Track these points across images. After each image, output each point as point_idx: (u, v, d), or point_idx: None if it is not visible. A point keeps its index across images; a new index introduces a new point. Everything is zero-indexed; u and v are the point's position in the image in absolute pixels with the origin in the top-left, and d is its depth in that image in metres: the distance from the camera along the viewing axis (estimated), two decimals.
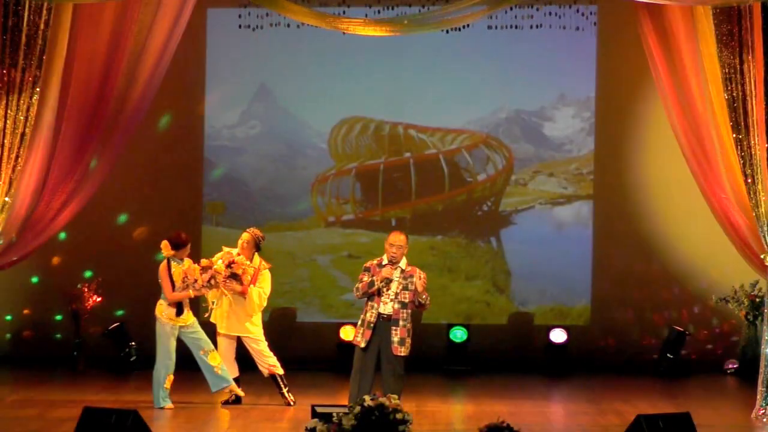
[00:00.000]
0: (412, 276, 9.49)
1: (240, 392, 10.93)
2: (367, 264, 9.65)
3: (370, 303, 9.52)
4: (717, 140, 10.76)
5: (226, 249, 10.93)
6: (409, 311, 9.51)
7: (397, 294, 9.45)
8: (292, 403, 10.87)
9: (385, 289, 9.46)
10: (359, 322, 9.58)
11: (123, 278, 13.76)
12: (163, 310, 10.64)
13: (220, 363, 10.73)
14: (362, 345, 9.45)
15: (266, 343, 10.98)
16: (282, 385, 10.96)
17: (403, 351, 9.45)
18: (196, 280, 10.57)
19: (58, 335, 13.94)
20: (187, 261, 10.68)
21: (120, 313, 13.83)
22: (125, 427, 7.84)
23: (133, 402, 10.47)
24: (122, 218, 14.14)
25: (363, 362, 9.50)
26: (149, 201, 14.05)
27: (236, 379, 10.98)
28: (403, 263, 9.54)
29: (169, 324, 10.62)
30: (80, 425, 8.09)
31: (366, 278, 9.48)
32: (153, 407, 10.40)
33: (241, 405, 10.89)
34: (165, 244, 10.67)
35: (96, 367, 13.16)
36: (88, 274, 13.75)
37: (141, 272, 13.92)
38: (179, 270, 10.59)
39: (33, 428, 9.56)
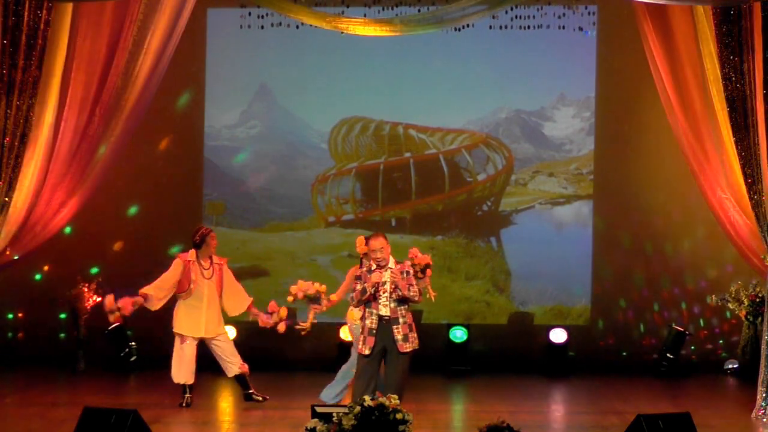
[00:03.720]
0: (402, 272, 9.53)
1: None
2: (357, 272, 9.68)
3: (368, 309, 9.54)
4: (717, 140, 10.76)
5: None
6: (407, 307, 9.55)
7: (391, 293, 9.48)
8: (264, 399, 10.87)
9: (381, 292, 9.49)
10: (360, 330, 9.61)
11: (122, 278, 13.74)
12: (352, 311, 10.59)
13: None
14: (366, 352, 9.48)
15: None
16: (250, 385, 10.96)
17: (408, 347, 9.51)
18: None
19: (58, 335, 13.93)
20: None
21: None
22: (125, 427, 7.85)
23: (133, 402, 10.47)
24: (119, 219, 14.11)
25: (367, 367, 9.52)
26: (148, 201, 14.03)
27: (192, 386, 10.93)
28: (391, 263, 9.58)
29: (354, 325, 10.60)
30: (80, 425, 8.09)
31: (358, 286, 9.52)
32: (154, 407, 10.39)
33: (240, 405, 10.88)
34: (361, 240, 10.71)
35: (96, 367, 13.16)
36: (94, 270, 13.72)
37: (140, 272, 13.96)
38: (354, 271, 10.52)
39: (33, 428, 9.56)
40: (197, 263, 10.78)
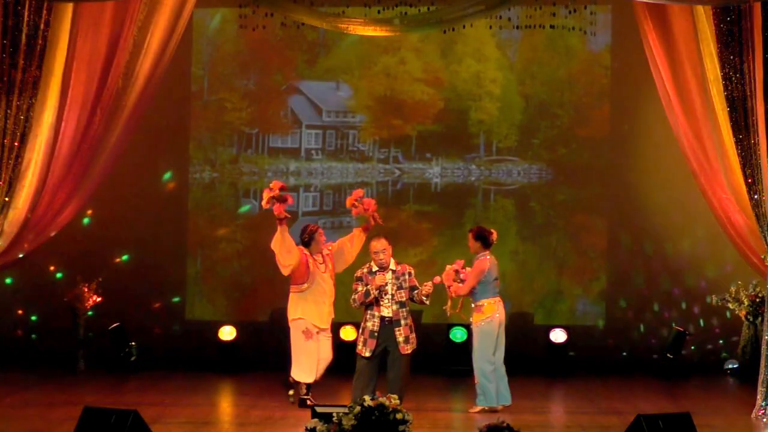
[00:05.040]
0: (404, 274, 9.55)
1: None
2: (358, 273, 9.68)
3: (369, 312, 9.56)
4: (717, 140, 10.76)
5: None
6: (408, 309, 9.57)
7: (393, 295, 9.50)
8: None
9: (382, 294, 9.51)
10: (360, 331, 9.62)
11: (122, 277, 13.75)
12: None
13: None
14: (366, 354, 9.49)
15: None
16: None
17: (409, 348, 9.54)
18: None
19: (58, 335, 13.90)
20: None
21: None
22: (125, 427, 7.85)
23: (133, 402, 10.46)
24: (113, 219, 14.07)
25: (367, 369, 9.54)
26: (145, 201, 14.01)
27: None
28: (391, 264, 9.59)
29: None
30: (80, 425, 8.09)
31: (360, 288, 9.52)
32: (154, 407, 10.37)
33: (241, 405, 10.88)
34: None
35: (96, 367, 13.15)
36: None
37: (139, 271, 13.96)
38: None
39: (33, 428, 9.56)
40: (312, 258, 10.70)
